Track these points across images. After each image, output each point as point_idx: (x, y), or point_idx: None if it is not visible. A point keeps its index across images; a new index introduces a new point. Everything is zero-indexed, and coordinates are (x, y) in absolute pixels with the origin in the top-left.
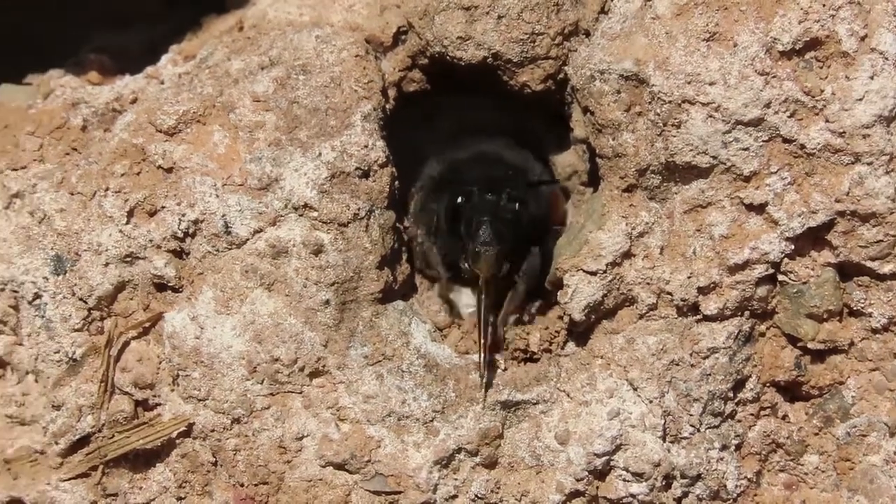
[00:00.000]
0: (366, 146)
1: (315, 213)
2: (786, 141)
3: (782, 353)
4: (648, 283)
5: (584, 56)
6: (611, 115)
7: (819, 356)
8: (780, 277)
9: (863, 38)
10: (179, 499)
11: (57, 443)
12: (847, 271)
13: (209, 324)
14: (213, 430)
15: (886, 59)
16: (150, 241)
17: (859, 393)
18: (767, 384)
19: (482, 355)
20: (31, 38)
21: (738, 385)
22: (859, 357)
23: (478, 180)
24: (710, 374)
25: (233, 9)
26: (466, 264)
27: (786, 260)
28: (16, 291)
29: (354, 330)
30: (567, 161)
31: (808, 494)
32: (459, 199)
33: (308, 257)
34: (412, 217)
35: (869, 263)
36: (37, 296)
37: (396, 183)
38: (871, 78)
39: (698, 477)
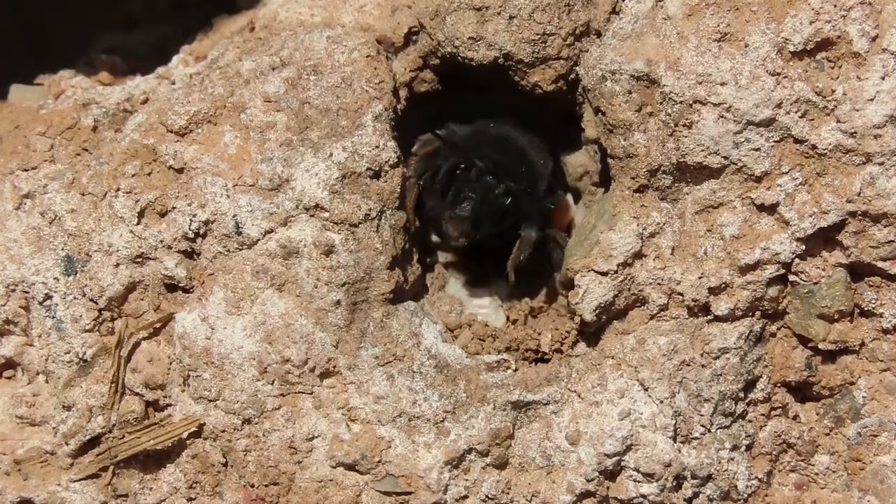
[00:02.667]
0: (377, 146)
1: (326, 214)
2: (797, 141)
3: (793, 354)
4: (659, 284)
5: (596, 56)
6: (622, 115)
7: (830, 356)
8: (791, 278)
9: (874, 39)
10: (190, 499)
11: (67, 443)
12: (858, 272)
13: (220, 324)
14: (223, 431)
15: None
16: (161, 241)
17: (870, 393)
18: (778, 384)
19: None
20: (42, 38)
21: (749, 385)
22: (870, 357)
23: (487, 157)
24: (720, 375)
25: (244, 9)
26: (442, 223)
27: (797, 260)
28: (26, 292)
29: (365, 331)
30: (578, 161)
31: (819, 495)
32: (462, 166)
33: (319, 258)
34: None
35: (880, 264)
36: (47, 296)
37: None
38: (883, 78)
39: (709, 477)
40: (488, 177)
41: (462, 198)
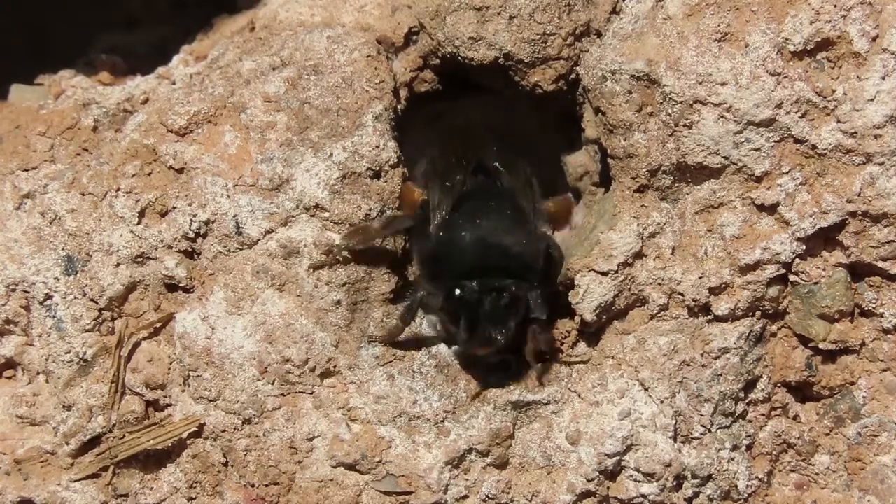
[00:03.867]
0: (377, 146)
1: (326, 214)
2: (797, 141)
3: (793, 354)
4: (660, 284)
5: (596, 56)
6: (622, 115)
7: (830, 356)
8: (792, 278)
9: (874, 39)
10: (190, 499)
11: (67, 443)
12: (858, 271)
13: (220, 324)
14: (223, 431)
15: None
16: (162, 241)
17: (870, 393)
18: (778, 384)
19: None
20: (42, 38)
21: (750, 385)
22: (870, 357)
23: (475, 271)
24: (721, 375)
25: (244, 9)
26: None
27: (797, 260)
28: (27, 292)
29: (365, 330)
30: (579, 161)
31: (819, 495)
32: (457, 292)
33: (319, 258)
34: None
35: (880, 264)
36: (48, 296)
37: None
38: (883, 78)
39: (709, 477)
40: (487, 296)
41: (478, 329)
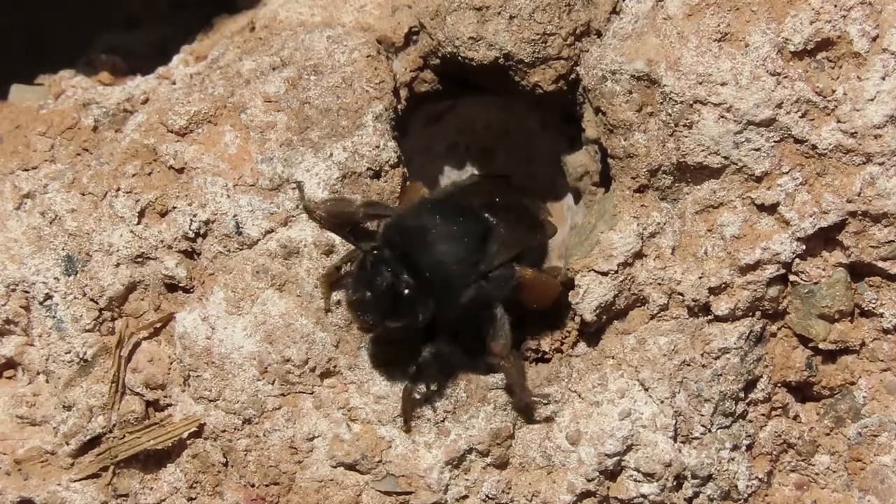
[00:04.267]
0: (377, 146)
1: None
2: (797, 141)
3: (793, 354)
4: (660, 284)
5: (596, 56)
6: (622, 115)
7: (830, 356)
8: (792, 278)
9: (874, 39)
10: (190, 499)
11: (68, 443)
12: (858, 271)
13: (220, 324)
14: (224, 431)
15: None
16: (162, 241)
17: (870, 393)
18: (778, 384)
19: None
20: (42, 38)
21: (750, 385)
22: (870, 357)
23: (401, 251)
24: (721, 375)
25: (244, 9)
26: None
27: (797, 260)
28: (27, 292)
29: None
30: (579, 161)
31: (819, 494)
32: (373, 252)
33: (319, 258)
34: None
35: (880, 264)
36: (48, 296)
37: (408, 183)
38: (883, 78)
39: (709, 477)
40: (384, 268)
41: (355, 287)
